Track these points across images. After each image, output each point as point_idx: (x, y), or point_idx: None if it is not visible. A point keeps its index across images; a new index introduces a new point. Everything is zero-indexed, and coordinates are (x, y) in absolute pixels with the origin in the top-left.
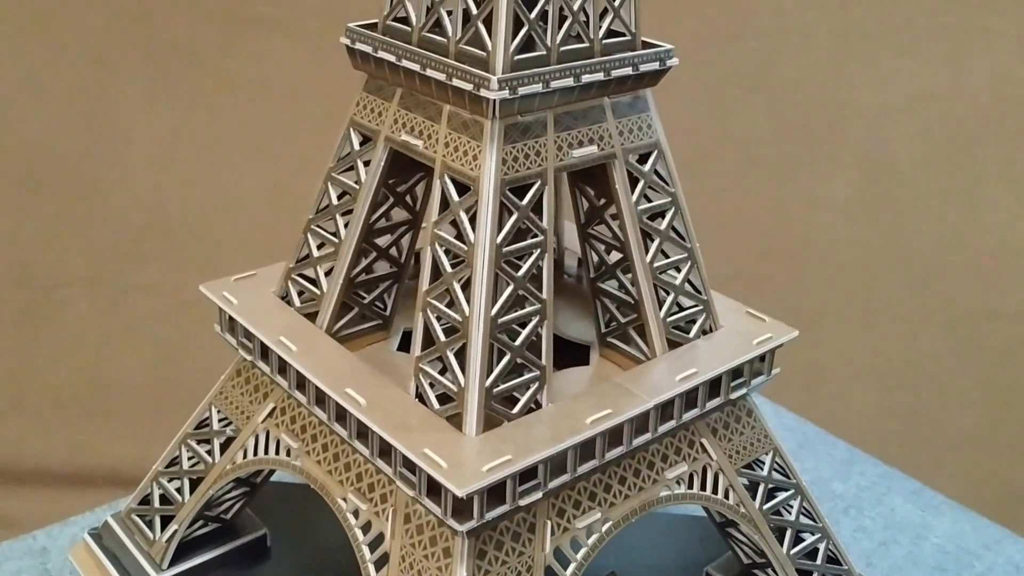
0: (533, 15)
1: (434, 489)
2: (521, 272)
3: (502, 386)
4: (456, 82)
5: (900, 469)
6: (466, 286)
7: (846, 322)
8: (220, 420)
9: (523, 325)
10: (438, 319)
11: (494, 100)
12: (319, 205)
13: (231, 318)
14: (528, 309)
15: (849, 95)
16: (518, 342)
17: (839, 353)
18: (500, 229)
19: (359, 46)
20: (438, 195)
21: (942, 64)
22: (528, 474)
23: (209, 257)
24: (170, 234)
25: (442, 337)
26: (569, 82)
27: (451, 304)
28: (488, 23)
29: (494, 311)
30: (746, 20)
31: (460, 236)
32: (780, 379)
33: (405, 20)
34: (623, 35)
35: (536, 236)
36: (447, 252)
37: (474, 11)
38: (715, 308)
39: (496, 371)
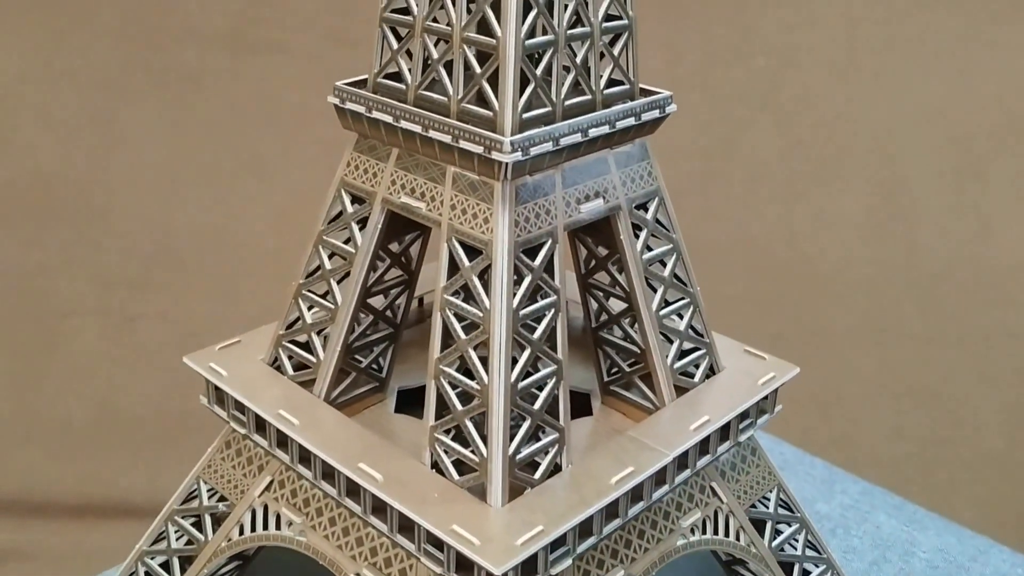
0: (539, 71)
1: (464, 565)
2: (537, 334)
3: (524, 452)
4: (464, 144)
5: (880, 483)
6: (482, 352)
7: (858, 341)
8: (210, 494)
9: (540, 387)
10: (451, 385)
11: (507, 163)
12: (309, 269)
13: (219, 389)
14: (545, 371)
15: (858, 112)
16: (537, 405)
17: (852, 372)
18: (515, 293)
19: (350, 106)
20: (446, 259)
21: (952, 79)
22: (557, 541)
23: (218, 285)
24: (179, 261)
25: (458, 405)
26: (577, 138)
27: (465, 370)
28: (492, 81)
29: (513, 377)
30: (753, 37)
31: (472, 301)
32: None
33: (398, 76)
34: (622, 83)
35: (550, 296)
36: (458, 317)
37: (477, 69)
38: (717, 349)
39: (518, 438)
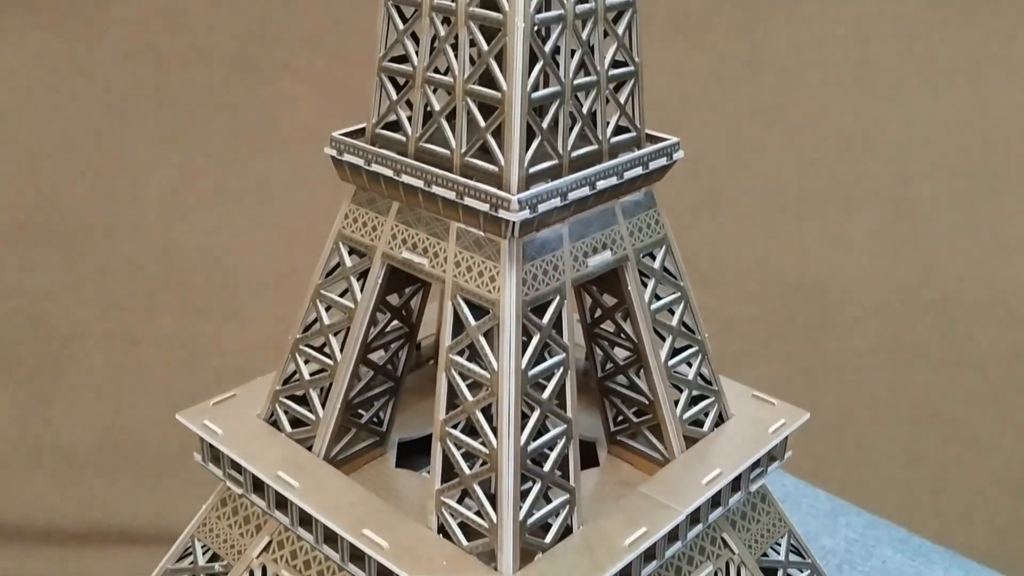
0: (545, 123)
1: None
2: (547, 394)
3: (535, 516)
4: (469, 201)
5: (886, 514)
6: (490, 413)
7: (870, 364)
8: (205, 554)
9: (550, 447)
10: (457, 447)
11: (515, 222)
12: (306, 322)
13: (214, 447)
14: (555, 431)
15: (870, 130)
16: (547, 467)
17: (864, 396)
18: (524, 352)
19: (348, 158)
20: (450, 317)
21: (964, 97)
22: None
23: (223, 308)
24: (184, 284)
25: (465, 469)
26: (585, 191)
27: (472, 432)
28: (497, 134)
29: (523, 439)
30: (763, 54)
31: (478, 360)
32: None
33: (397, 127)
34: (628, 131)
35: (559, 353)
36: (463, 376)
37: (481, 122)
38: (725, 396)
39: (528, 501)
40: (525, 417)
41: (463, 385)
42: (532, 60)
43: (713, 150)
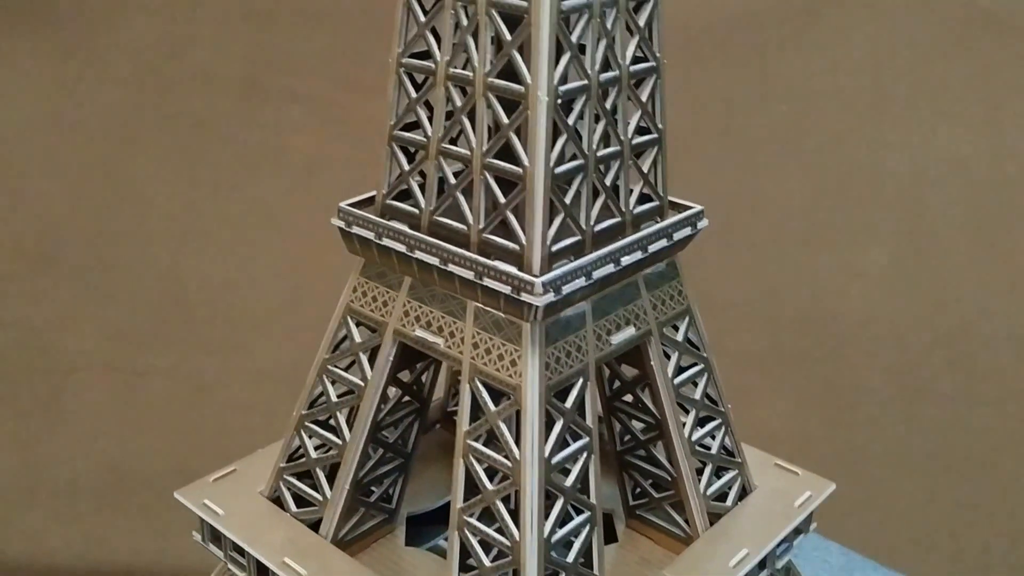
0: (568, 198)
1: None
2: (570, 481)
3: None
4: (488, 282)
5: (899, 568)
6: (511, 503)
7: (883, 399)
8: None
9: (575, 534)
10: (473, 534)
11: (538, 306)
12: (312, 397)
13: (214, 527)
14: (579, 519)
15: (884, 160)
16: (571, 558)
17: (878, 432)
18: (547, 438)
19: (357, 231)
20: (467, 401)
21: (980, 126)
22: None
23: (227, 338)
24: (188, 314)
25: (485, 560)
26: (610, 268)
27: (491, 521)
28: (518, 210)
29: (547, 531)
30: (776, 82)
31: (497, 446)
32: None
33: (407, 196)
34: (652, 199)
35: (582, 437)
36: (481, 462)
37: (500, 198)
38: (748, 467)
39: None
40: (548, 505)
41: (482, 473)
42: (555, 134)
43: (724, 178)
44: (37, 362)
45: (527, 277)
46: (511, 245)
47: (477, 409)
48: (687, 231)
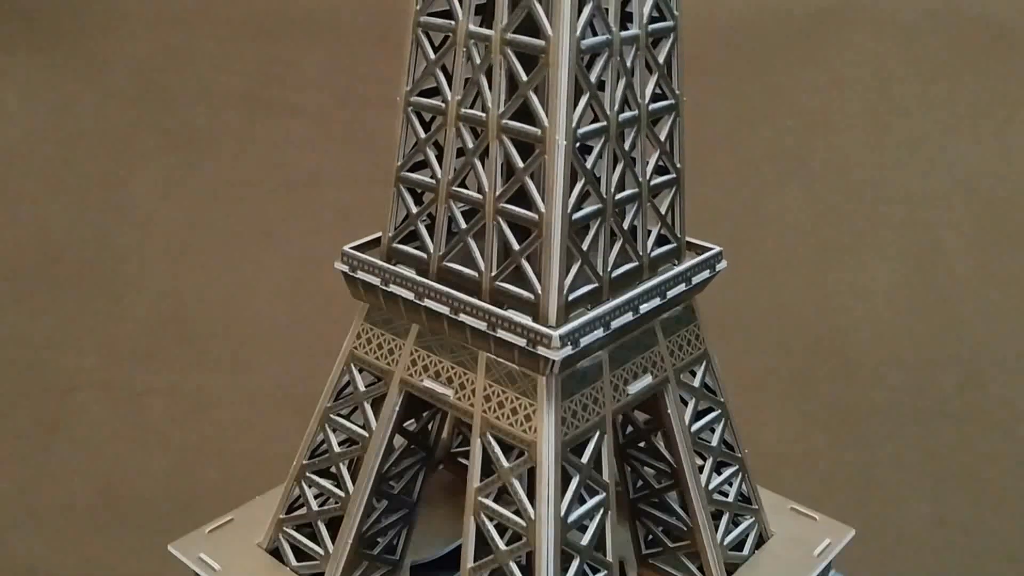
0: (585, 244)
1: None
2: (586, 540)
3: None
4: (502, 334)
5: None
6: (523, 560)
7: (892, 420)
8: None
9: None
10: None
11: (555, 360)
12: (312, 446)
13: None
14: None
15: (891, 177)
16: None
17: (887, 453)
18: (563, 496)
19: (362, 276)
20: (479, 457)
21: (988, 142)
22: None
23: (228, 357)
24: (188, 332)
25: None
26: (628, 317)
27: None
28: (532, 258)
29: None
30: (782, 98)
31: (510, 503)
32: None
33: (414, 238)
34: (668, 241)
35: (599, 493)
36: (492, 520)
37: (515, 245)
38: (765, 513)
39: None
40: (564, 566)
41: (494, 532)
42: (572, 176)
43: (731, 195)
44: (34, 380)
45: (543, 330)
46: (526, 294)
47: (488, 463)
48: (705, 274)
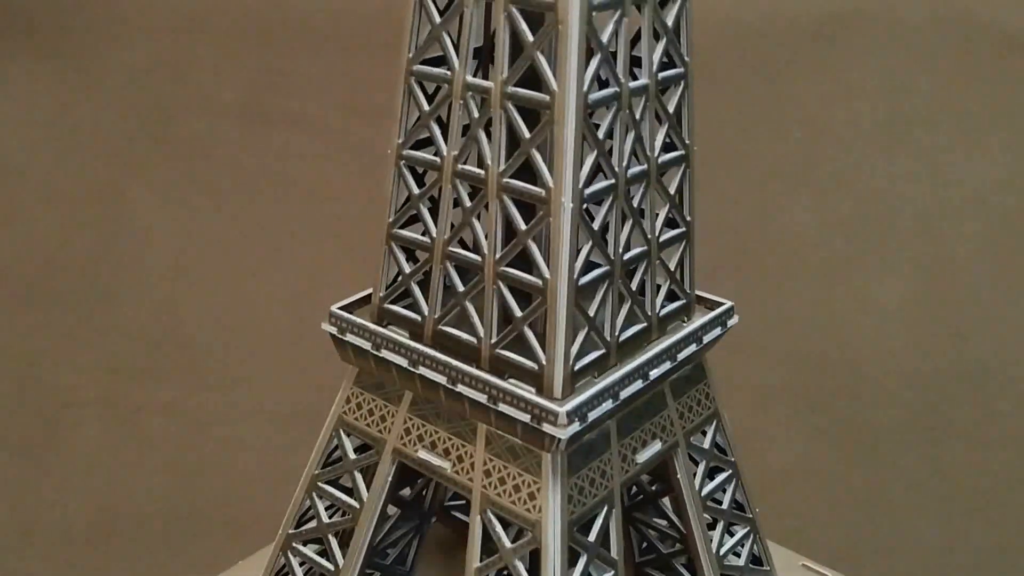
0: (592, 309)
1: None
2: None
3: None
4: (504, 408)
5: None
6: None
7: (902, 438)
8: None
9: None
10: None
11: (561, 438)
12: (300, 514)
13: None
14: None
15: (902, 189)
16: None
17: (896, 473)
18: None
19: (352, 339)
20: (478, 534)
21: (1001, 154)
22: None
23: (227, 373)
24: (186, 347)
25: None
26: (638, 385)
27: None
28: (535, 325)
29: None
30: (790, 109)
31: None
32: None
33: (407, 297)
34: (678, 298)
35: (608, 571)
36: None
37: (516, 311)
38: (776, 573)
39: None
40: None
41: None
42: (579, 239)
43: (737, 207)
44: (29, 396)
45: (549, 406)
46: (529, 363)
47: (488, 541)
48: (717, 331)
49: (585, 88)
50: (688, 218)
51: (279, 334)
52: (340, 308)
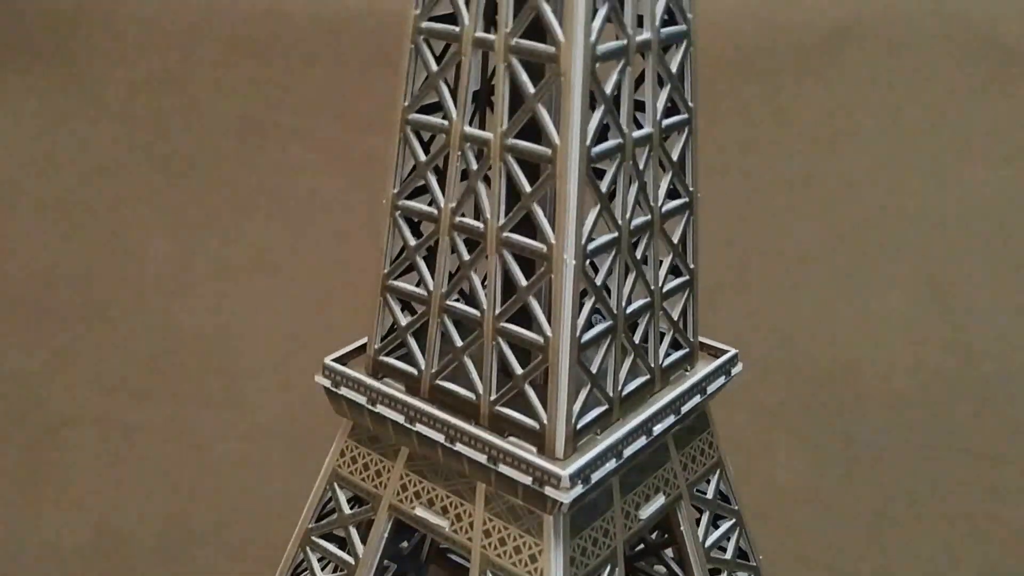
0: (595, 366)
1: None
2: None
3: None
4: (504, 469)
5: None
6: None
7: (905, 457)
8: None
9: None
10: None
11: (563, 501)
12: (292, 568)
13: None
14: None
15: (905, 204)
16: None
17: (899, 492)
18: None
19: (346, 393)
20: None
21: (1003, 167)
22: None
23: (224, 391)
24: (183, 365)
25: None
26: (642, 441)
27: None
28: (537, 383)
29: None
30: (793, 121)
31: None
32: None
33: (400, 349)
34: (681, 347)
35: None
36: None
37: (516, 369)
38: None
39: None
40: None
41: None
42: (581, 296)
43: (740, 222)
44: (23, 416)
45: (552, 468)
46: (530, 422)
47: None
48: (721, 380)
49: (588, 142)
50: (691, 266)
51: (277, 352)
52: (334, 359)
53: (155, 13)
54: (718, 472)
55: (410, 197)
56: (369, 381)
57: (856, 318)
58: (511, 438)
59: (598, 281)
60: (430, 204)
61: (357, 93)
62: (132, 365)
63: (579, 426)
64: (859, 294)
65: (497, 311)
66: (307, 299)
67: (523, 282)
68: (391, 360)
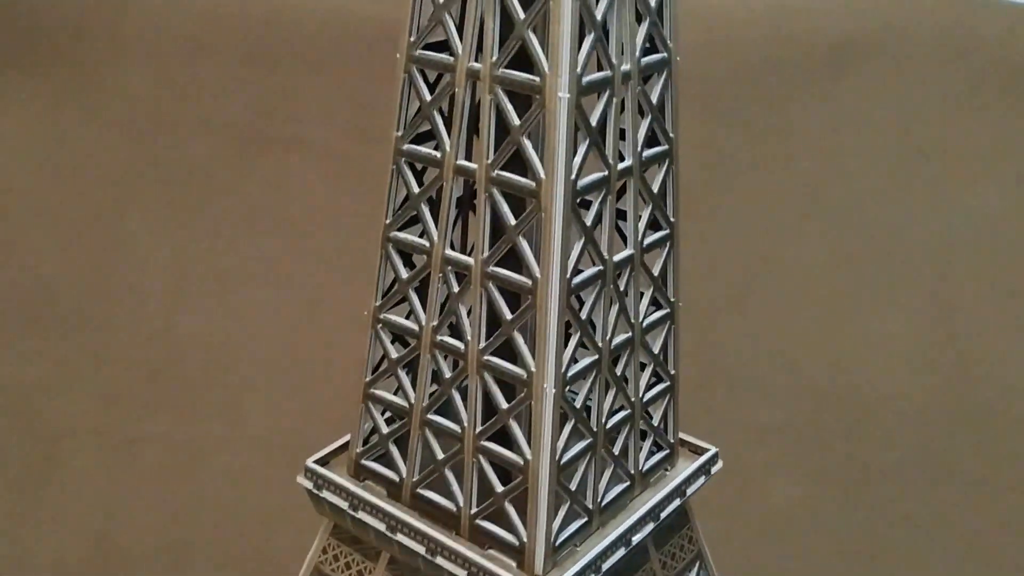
0: (574, 483)
1: None
2: None
3: None
4: None
5: None
6: None
7: (905, 479)
8: None
9: None
10: None
11: None
12: None
13: None
14: None
15: (910, 222)
16: None
17: (898, 515)
18: None
19: (329, 497)
20: None
21: (1011, 186)
22: None
23: (223, 402)
24: (183, 377)
25: None
26: (620, 552)
27: None
28: (517, 500)
29: None
30: (798, 140)
31: None
32: None
33: (387, 460)
34: (661, 448)
35: None
36: None
37: (497, 487)
38: None
39: None
40: None
41: None
42: (561, 419)
43: (743, 241)
44: (24, 427)
45: None
46: (510, 538)
47: None
48: (701, 480)
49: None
50: (672, 372)
51: (273, 363)
52: (316, 461)
53: (159, 23)
54: (697, 564)
55: (392, 311)
56: (351, 487)
57: (858, 341)
58: (491, 551)
59: (577, 404)
60: (407, 315)
61: (359, 102)
62: (131, 377)
63: (558, 541)
64: (861, 316)
65: (477, 429)
66: (306, 310)
67: (504, 404)
68: (373, 465)
